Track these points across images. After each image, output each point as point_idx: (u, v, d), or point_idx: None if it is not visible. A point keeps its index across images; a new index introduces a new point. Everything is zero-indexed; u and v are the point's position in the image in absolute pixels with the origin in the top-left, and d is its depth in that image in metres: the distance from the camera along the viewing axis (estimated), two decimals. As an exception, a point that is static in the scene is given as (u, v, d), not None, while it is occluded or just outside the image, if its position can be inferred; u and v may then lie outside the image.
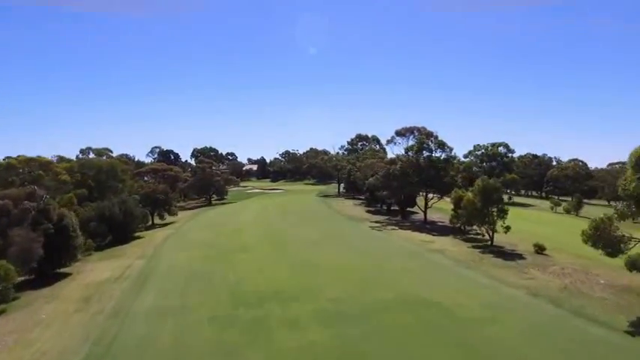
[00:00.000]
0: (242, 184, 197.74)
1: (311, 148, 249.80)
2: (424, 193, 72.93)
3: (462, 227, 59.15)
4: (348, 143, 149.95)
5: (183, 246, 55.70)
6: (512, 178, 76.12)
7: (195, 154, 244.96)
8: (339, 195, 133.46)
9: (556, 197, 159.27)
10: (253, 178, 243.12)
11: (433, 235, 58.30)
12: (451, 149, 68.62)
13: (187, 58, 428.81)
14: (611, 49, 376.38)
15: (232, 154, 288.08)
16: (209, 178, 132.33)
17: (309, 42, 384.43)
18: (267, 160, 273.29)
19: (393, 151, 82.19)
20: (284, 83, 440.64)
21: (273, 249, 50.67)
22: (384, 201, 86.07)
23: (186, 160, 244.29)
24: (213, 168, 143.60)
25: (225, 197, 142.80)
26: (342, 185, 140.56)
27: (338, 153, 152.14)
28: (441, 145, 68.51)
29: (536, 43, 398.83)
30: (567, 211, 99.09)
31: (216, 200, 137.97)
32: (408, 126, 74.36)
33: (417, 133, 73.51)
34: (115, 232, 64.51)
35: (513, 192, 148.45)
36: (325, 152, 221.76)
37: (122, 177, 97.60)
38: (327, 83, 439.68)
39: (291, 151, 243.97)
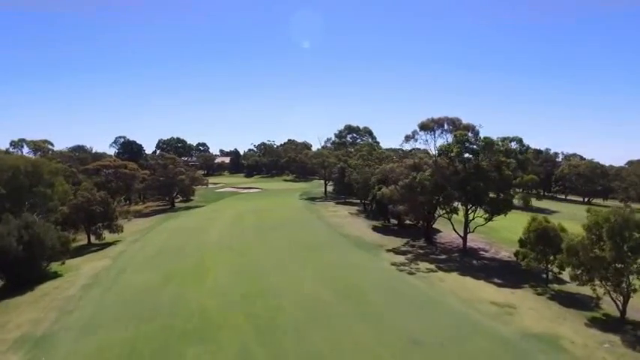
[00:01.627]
0: (213, 180, 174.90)
1: (289, 140, 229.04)
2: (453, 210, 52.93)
3: (546, 273, 39.01)
4: (336, 136, 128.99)
5: (101, 312, 34.08)
6: (531, 180, 57.45)
7: (161, 145, 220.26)
8: (326, 197, 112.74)
9: (563, 197, 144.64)
10: (225, 173, 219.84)
11: (500, 285, 38.09)
12: (515, 152, 48.56)
13: (155, 41, 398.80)
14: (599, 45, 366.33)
15: (204, 145, 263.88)
16: (171, 177, 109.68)
17: (299, 33, 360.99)
18: (242, 152, 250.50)
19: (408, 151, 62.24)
20: (263, 72, 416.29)
21: (254, 334, 28.42)
22: (391, 213, 65.53)
23: (155, 151, 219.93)
24: (181, 161, 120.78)
25: (192, 198, 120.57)
26: (329, 184, 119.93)
27: (325, 147, 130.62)
28: (489, 144, 48.33)
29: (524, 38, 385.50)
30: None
31: (180, 202, 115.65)
32: (435, 117, 54.25)
33: (449, 127, 53.49)
34: (12, 272, 42.81)
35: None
36: (306, 145, 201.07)
37: (51, 180, 74.49)
38: (313, 73, 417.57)
39: (268, 143, 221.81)
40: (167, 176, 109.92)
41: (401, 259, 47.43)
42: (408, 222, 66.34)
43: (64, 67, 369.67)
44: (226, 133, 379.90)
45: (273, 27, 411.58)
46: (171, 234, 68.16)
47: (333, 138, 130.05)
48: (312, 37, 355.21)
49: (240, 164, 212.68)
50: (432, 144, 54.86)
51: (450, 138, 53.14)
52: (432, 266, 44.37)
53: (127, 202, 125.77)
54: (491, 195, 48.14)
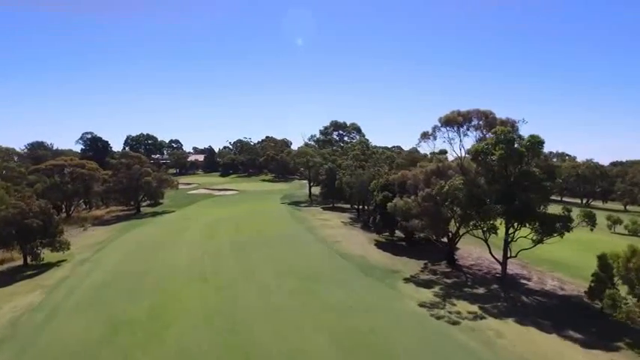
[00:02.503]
0: (185, 180, 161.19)
1: (267, 137, 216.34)
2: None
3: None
4: (321, 132, 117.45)
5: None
6: (560, 186, 47.71)
7: (129, 142, 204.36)
8: (311, 202, 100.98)
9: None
10: (199, 172, 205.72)
11: (585, 345, 26.78)
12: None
13: (127, 37, 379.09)
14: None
15: (177, 142, 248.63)
16: (136, 178, 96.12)
17: (290, 28, 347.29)
18: (217, 150, 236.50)
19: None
20: (239, 66, 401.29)
21: None
22: (400, 226, 53.64)
23: (124, 148, 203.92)
24: (147, 161, 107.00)
25: (161, 202, 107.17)
26: (313, 186, 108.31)
27: (308, 144, 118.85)
28: (536, 145, 37.32)
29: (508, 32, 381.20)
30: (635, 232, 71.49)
31: (147, 205, 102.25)
32: (463, 110, 43.45)
33: (480, 121, 42.78)
34: None
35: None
36: (286, 142, 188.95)
37: (-19, 184, 60.98)
38: (300, 70, 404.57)
39: (244, 140, 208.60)
40: (131, 178, 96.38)
41: (428, 294, 36.20)
42: (418, 236, 55.13)
43: (34, 63, 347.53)
44: (201, 129, 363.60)
45: (257, 21, 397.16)
46: (130, 251, 55.52)
47: (318, 135, 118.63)
48: (296, 29, 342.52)
49: (215, 163, 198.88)
50: (458, 143, 44.05)
51: (475, 135, 42.63)
52: (474, 307, 33.29)
53: (87, 206, 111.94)
54: (544, 210, 37.35)
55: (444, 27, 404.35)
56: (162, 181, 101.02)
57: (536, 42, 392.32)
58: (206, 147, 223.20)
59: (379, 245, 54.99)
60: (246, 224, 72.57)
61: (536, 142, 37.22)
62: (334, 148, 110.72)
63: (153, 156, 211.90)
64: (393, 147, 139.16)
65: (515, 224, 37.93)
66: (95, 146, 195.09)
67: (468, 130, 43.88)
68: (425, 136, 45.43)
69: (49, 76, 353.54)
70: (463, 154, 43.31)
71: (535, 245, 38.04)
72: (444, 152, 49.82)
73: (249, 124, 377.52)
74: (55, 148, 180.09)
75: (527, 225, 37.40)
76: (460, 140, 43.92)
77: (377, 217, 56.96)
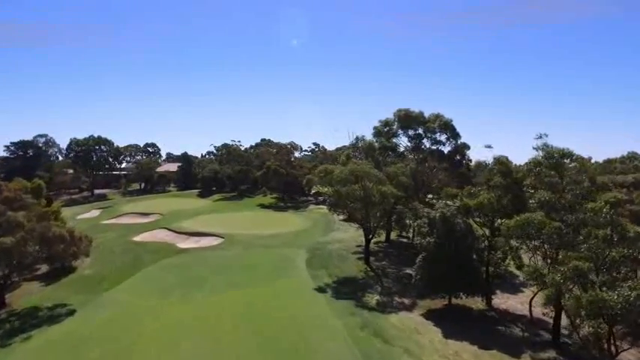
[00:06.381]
0: (142, 204, 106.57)
1: (263, 140, 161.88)
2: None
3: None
4: (377, 131, 64.13)
5: None
6: None
7: (73, 147, 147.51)
8: (379, 281, 47.13)
9: None
10: (172, 186, 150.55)
11: None
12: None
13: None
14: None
15: (153, 146, 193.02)
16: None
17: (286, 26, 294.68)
18: (199, 156, 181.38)
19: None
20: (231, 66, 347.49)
21: None
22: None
23: (68, 154, 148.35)
24: (21, 191, 52.53)
25: (74, 264, 53.59)
26: (371, 237, 54.50)
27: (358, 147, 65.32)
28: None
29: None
30: None
31: (37, 277, 48.91)
32: None
33: None
34: None
35: None
36: (293, 145, 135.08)
37: None
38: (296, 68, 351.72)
39: (233, 144, 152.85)
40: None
41: None
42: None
43: None
44: (179, 134, 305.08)
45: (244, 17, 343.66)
46: None
47: (369, 137, 64.78)
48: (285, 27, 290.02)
49: (191, 175, 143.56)
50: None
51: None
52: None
53: None
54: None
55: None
56: (54, 239, 45.49)
57: None
58: (182, 153, 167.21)
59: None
60: None
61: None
62: (411, 156, 57.74)
63: (117, 164, 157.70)
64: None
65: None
66: (24, 153, 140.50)
67: None
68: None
69: None
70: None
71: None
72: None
73: (238, 123, 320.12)
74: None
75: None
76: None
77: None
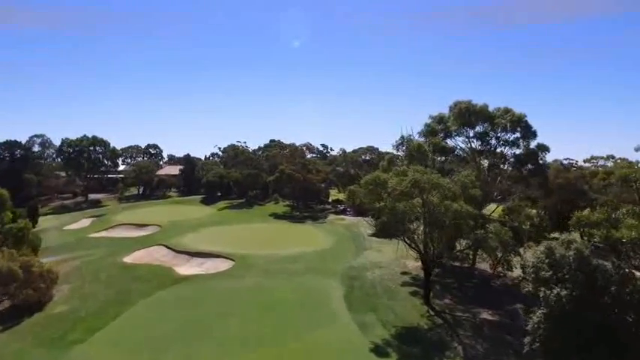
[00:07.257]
0: (139, 213, 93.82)
1: (272, 141, 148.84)
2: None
3: None
4: (427, 129, 50.96)
5: None
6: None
7: (65, 149, 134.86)
8: (452, 333, 34.16)
9: None
10: (174, 191, 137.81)
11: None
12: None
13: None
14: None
15: (155, 147, 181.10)
16: None
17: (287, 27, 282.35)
18: (203, 158, 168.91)
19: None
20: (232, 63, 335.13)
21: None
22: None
23: (57, 160, 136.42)
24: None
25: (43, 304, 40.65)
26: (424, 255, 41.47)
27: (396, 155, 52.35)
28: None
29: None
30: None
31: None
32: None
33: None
34: None
35: None
36: (309, 147, 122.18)
37: None
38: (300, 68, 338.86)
39: (239, 145, 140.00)
40: None
41: None
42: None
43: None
44: (181, 134, 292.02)
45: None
46: None
47: (416, 137, 51.74)
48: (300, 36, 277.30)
49: (194, 180, 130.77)
50: None
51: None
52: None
53: None
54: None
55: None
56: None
57: None
58: (184, 155, 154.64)
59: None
60: None
61: None
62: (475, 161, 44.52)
63: (101, 168, 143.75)
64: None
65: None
66: (11, 154, 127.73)
67: None
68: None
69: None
70: None
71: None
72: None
73: (241, 123, 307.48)
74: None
75: None
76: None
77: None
